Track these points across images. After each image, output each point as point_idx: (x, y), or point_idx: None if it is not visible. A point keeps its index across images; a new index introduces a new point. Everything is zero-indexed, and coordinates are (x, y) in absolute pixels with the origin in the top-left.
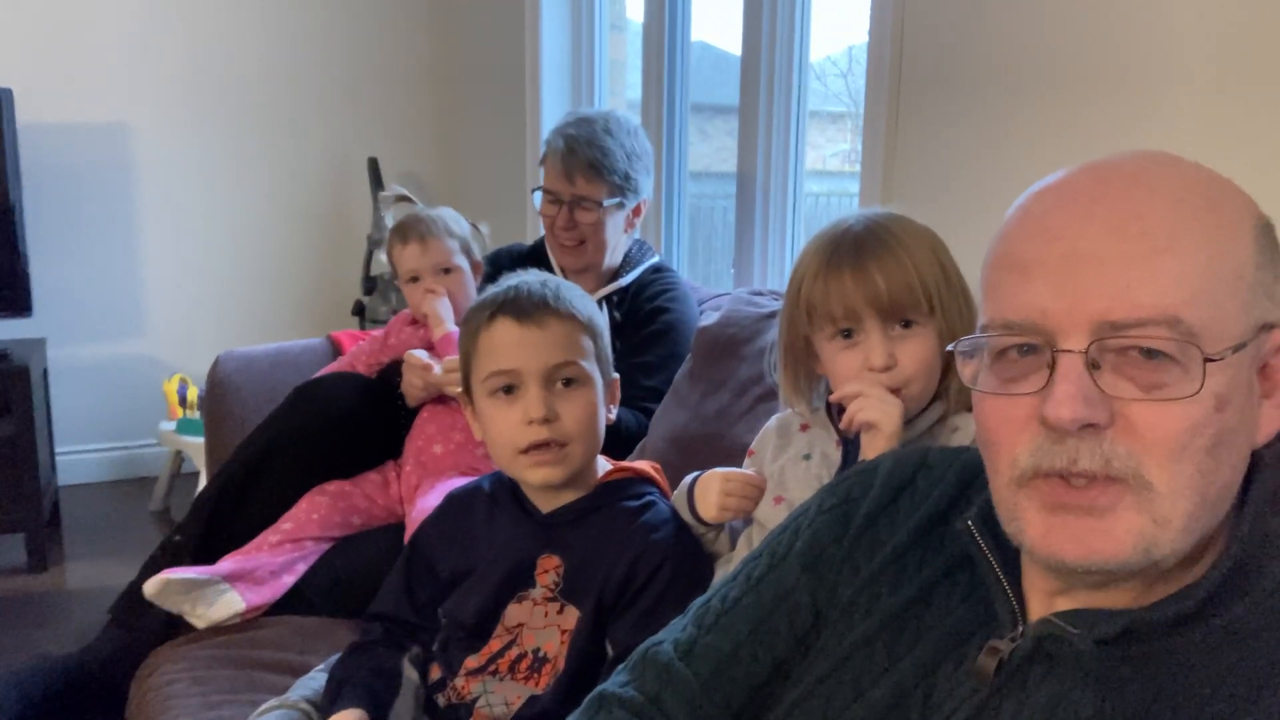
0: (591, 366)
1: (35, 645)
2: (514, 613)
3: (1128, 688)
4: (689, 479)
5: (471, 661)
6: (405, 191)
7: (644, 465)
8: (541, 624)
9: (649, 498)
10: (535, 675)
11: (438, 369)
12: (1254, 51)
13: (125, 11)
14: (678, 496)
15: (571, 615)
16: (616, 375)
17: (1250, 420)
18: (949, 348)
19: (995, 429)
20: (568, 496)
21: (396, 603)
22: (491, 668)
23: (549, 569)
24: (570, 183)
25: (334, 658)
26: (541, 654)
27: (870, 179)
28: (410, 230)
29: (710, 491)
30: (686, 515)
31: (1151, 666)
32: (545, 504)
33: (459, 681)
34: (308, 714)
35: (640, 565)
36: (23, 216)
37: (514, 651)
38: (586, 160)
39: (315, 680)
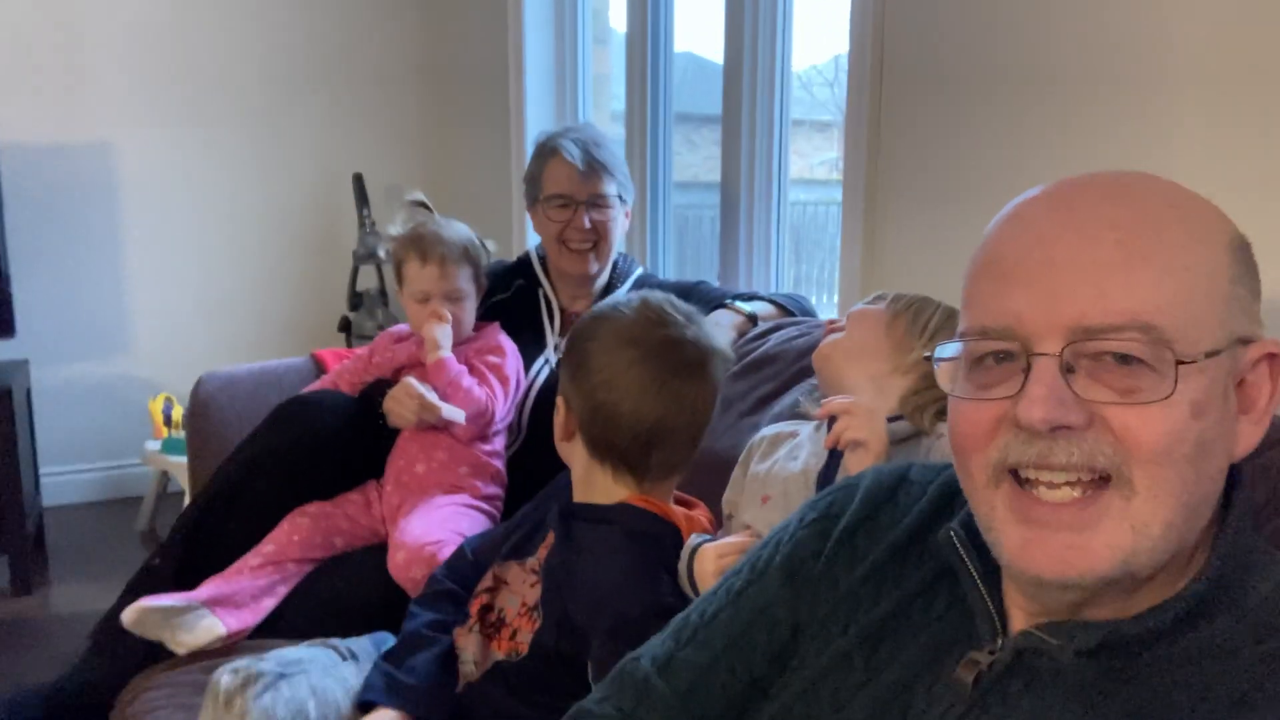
0: None
1: (19, 670)
2: (510, 568)
3: (1108, 701)
4: (688, 547)
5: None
6: (424, 198)
7: (682, 514)
8: (517, 588)
9: (652, 553)
10: (496, 636)
11: (430, 396)
12: (1244, 52)
13: (108, 32)
14: (679, 565)
15: (536, 593)
16: None
17: (1228, 434)
18: (925, 355)
19: (968, 432)
20: (580, 496)
21: (490, 543)
22: (468, 609)
23: (546, 545)
24: (587, 182)
25: (375, 634)
26: (502, 615)
27: (853, 187)
28: (431, 251)
29: (706, 573)
30: (685, 585)
31: (1132, 680)
32: (578, 495)
33: (456, 632)
34: (344, 655)
35: (600, 600)
36: (5, 237)
37: (485, 599)
38: (601, 159)
39: (359, 642)
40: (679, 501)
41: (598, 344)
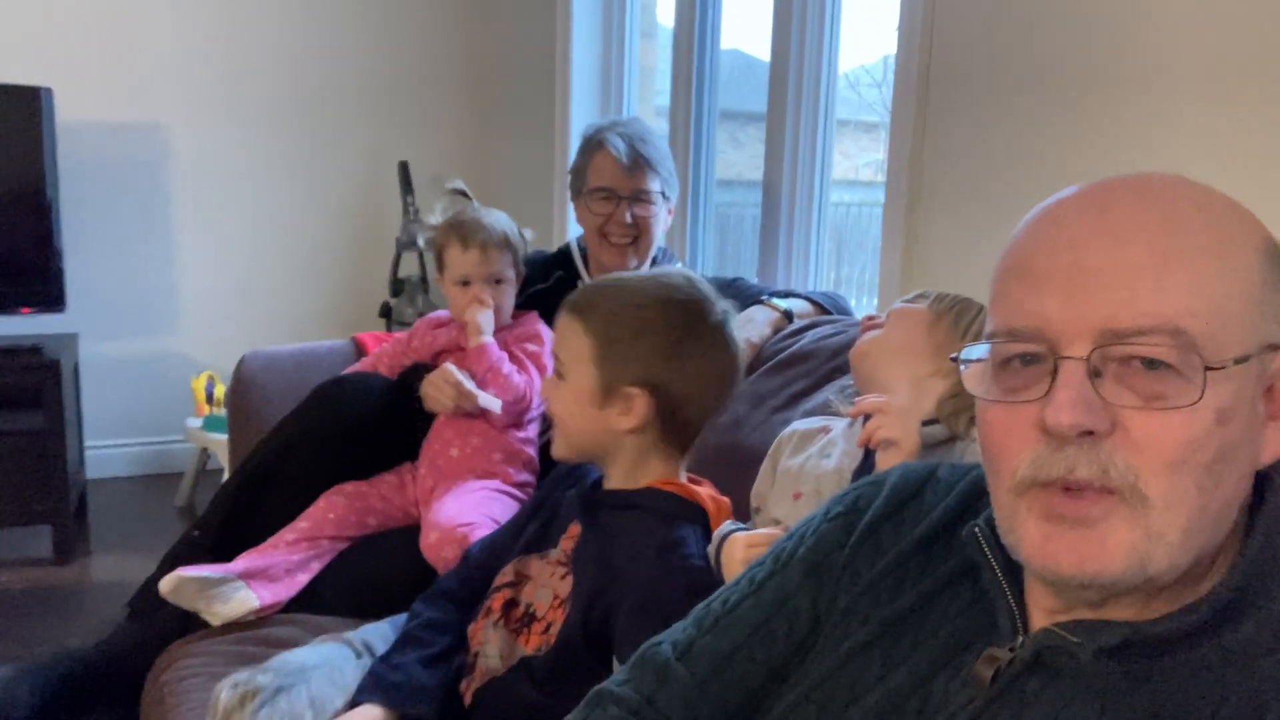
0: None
1: (59, 636)
2: (530, 563)
3: (1127, 702)
4: (719, 534)
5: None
6: (464, 187)
7: (706, 494)
8: (545, 582)
9: (683, 532)
10: (525, 631)
11: (468, 384)
12: None
13: (164, 13)
14: (709, 549)
15: (567, 584)
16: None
17: (1253, 439)
18: (951, 356)
19: (997, 438)
20: (619, 484)
21: (496, 543)
22: (488, 605)
23: (572, 535)
24: (631, 177)
25: (395, 618)
26: (532, 610)
27: (895, 188)
28: (473, 236)
29: (734, 561)
30: (715, 570)
31: (1152, 682)
32: (618, 482)
33: (470, 628)
34: (357, 651)
35: (628, 579)
36: (59, 213)
37: (508, 593)
38: (645, 155)
39: (379, 629)
40: (690, 480)
41: (694, 332)
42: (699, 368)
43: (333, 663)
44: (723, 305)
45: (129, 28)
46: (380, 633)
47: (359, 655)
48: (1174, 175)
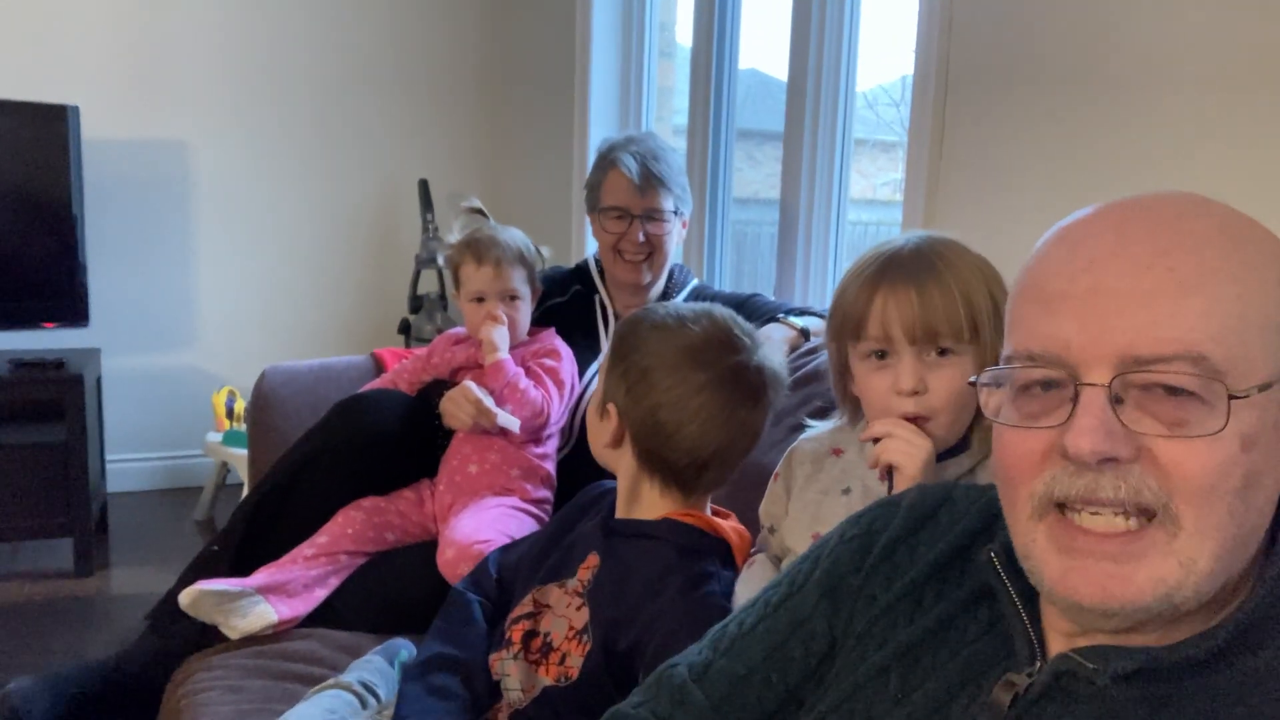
0: None
1: (78, 648)
2: (550, 592)
3: None
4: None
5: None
6: (480, 205)
7: (729, 527)
8: (562, 611)
9: (708, 567)
10: (544, 662)
11: (488, 401)
12: None
13: (189, 33)
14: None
15: (583, 616)
16: None
17: (1278, 465)
18: (970, 380)
19: (1014, 463)
20: (624, 511)
21: (512, 562)
22: (507, 637)
23: (589, 566)
24: (644, 196)
25: (388, 643)
26: (549, 640)
27: (913, 208)
28: (487, 253)
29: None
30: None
31: (1171, 708)
32: (621, 511)
33: (491, 658)
34: (361, 697)
35: (651, 618)
36: (84, 229)
37: (526, 624)
38: (658, 174)
39: (371, 662)
40: (713, 513)
41: (663, 360)
42: (672, 408)
43: (344, 710)
44: (741, 359)
45: (154, 48)
46: (375, 667)
47: (364, 704)
48: (1193, 195)
